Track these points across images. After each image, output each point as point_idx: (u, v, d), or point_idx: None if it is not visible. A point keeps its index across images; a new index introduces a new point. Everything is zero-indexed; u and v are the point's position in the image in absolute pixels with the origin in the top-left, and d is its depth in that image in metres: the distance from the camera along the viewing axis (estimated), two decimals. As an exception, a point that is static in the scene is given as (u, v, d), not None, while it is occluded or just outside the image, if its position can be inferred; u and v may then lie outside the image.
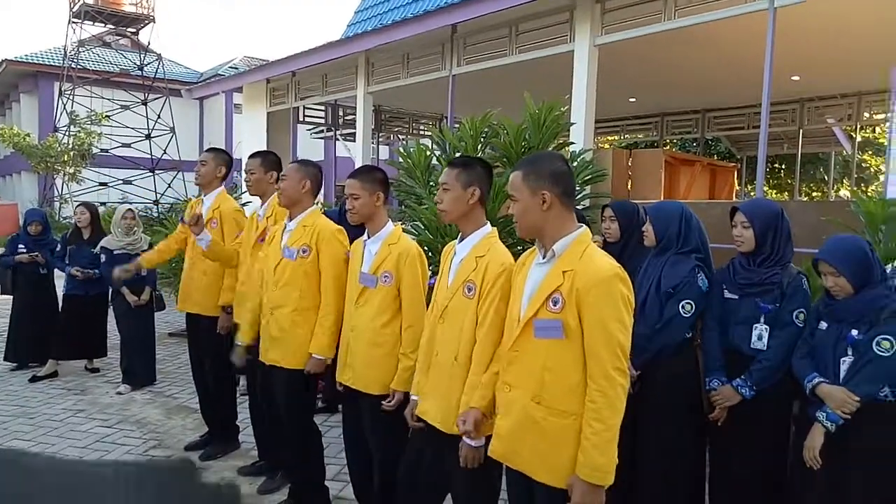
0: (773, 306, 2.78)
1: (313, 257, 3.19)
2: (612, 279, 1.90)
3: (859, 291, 2.53)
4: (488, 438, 2.24)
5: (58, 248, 6.17)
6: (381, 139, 14.22)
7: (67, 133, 22.90)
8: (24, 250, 6.16)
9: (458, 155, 5.20)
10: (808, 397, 2.58)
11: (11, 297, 6.40)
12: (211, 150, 4.29)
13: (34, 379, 5.91)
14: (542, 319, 1.98)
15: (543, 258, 2.06)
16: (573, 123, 6.04)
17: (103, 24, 27.11)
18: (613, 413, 1.87)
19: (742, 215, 2.87)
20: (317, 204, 3.46)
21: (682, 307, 2.89)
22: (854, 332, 2.51)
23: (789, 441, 2.82)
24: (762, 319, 2.80)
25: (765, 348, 2.78)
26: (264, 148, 11.73)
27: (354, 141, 11.34)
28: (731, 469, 2.89)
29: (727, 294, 2.93)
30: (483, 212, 2.46)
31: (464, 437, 2.26)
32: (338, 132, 12.93)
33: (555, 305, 1.95)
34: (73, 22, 25.52)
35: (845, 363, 2.53)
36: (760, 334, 2.80)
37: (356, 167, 3.26)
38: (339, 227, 3.32)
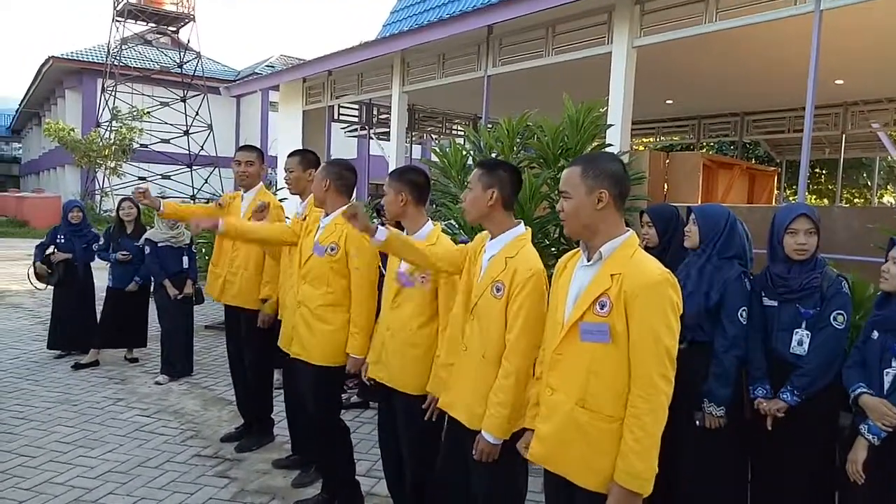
0: (814, 311, 2.74)
1: (341, 255, 3.22)
2: (662, 284, 1.88)
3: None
4: (514, 437, 2.28)
5: (100, 242, 6.33)
6: (413, 138, 14.29)
7: (109, 128, 23.48)
8: (63, 241, 6.33)
9: (493, 155, 5.21)
10: (853, 408, 2.55)
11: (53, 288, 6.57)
12: (251, 148, 4.33)
13: (77, 367, 6.09)
14: (589, 323, 1.95)
15: (589, 261, 2.03)
16: (611, 125, 6.00)
17: (145, 23, 27.75)
18: (655, 420, 1.85)
19: (808, 221, 2.81)
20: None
21: (741, 315, 2.85)
22: None
23: (835, 452, 2.77)
24: (803, 325, 2.76)
25: (805, 353, 2.74)
26: (299, 146, 11.90)
27: (388, 140, 11.42)
28: (777, 481, 2.84)
29: (766, 301, 2.89)
30: (508, 214, 2.48)
31: (483, 432, 2.30)
32: (371, 131, 13.03)
33: (602, 309, 1.93)
34: (117, 20, 26.19)
35: (889, 375, 2.47)
36: (801, 339, 2.75)
37: (389, 166, 3.30)
38: None
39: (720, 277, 2.89)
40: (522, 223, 2.51)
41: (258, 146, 4.62)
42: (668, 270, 1.92)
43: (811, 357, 2.71)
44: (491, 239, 2.49)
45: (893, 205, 12.86)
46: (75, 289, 6.42)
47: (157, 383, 5.67)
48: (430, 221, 2.91)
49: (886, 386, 2.47)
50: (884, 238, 3.41)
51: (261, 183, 4.28)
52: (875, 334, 2.58)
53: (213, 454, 4.22)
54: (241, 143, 4.90)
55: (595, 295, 1.95)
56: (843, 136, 10.81)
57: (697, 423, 2.82)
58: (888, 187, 18.16)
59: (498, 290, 2.34)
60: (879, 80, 8.74)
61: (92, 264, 6.64)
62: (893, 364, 2.47)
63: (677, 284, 1.92)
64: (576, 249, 2.14)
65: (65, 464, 3.99)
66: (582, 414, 1.95)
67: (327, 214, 3.37)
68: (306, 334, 3.29)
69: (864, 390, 2.50)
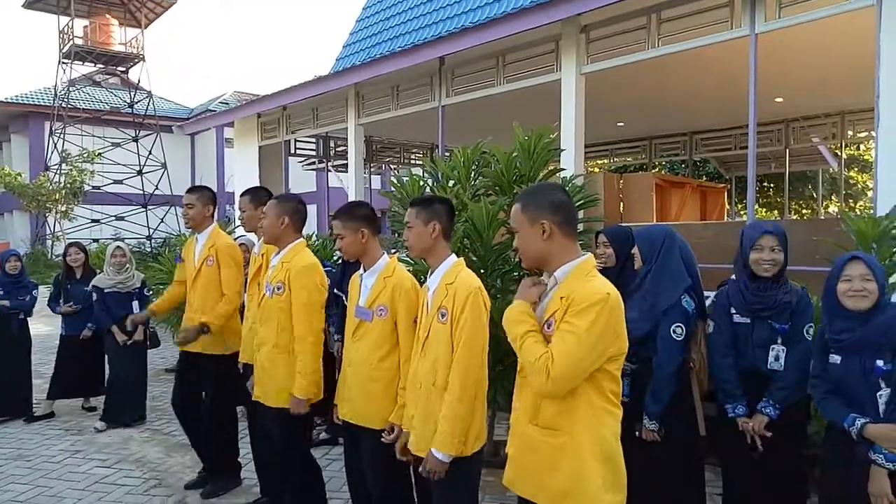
0: (787, 325, 2.83)
1: (287, 294, 3.20)
2: (600, 301, 1.89)
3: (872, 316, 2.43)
4: (473, 456, 2.38)
5: (34, 293, 6.07)
6: (372, 169, 14.32)
7: (59, 172, 22.94)
8: (1, 292, 5.89)
9: (451, 184, 5.26)
10: (857, 439, 2.44)
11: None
12: (193, 190, 4.28)
13: (30, 420, 5.86)
14: None
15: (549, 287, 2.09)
16: (563, 150, 6.12)
17: (93, 64, 27.37)
18: (525, 354, 1.97)
19: (774, 239, 2.87)
20: (303, 237, 3.49)
21: (674, 331, 2.91)
22: (880, 363, 2.41)
23: (804, 461, 2.83)
24: (779, 340, 2.83)
25: (782, 368, 2.81)
26: (256, 181, 11.79)
27: (346, 172, 11.41)
28: (744, 489, 2.90)
29: (737, 318, 2.94)
30: (446, 245, 2.61)
31: (431, 449, 2.34)
32: (329, 163, 13.02)
33: (548, 328, 1.98)
34: (63, 62, 25.75)
35: (882, 397, 2.41)
36: (777, 355, 2.83)
37: (347, 199, 3.33)
38: (314, 261, 3.34)
39: (659, 302, 2.96)
40: (454, 254, 2.63)
41: (207, 186, 4.59)
42: (613, 291, 1.94)
43: (790, 372, 2.78)
44: (431, 274, 2.60)
45: (837, 215, 13.34)
46: (9, 345, 5.92)
47: (96, 429, 5.52)
48: (385, 254, 2.95)
49: (882, 408, 2.40)
50: (829, 250, 3.54)
51: (213, 224, 4.22)
52: (836, 358, 2.52)
53: (177, 502, 4.08)
54: (197, 181, 4.88)
55: (546, 317, 2.01)
56: (787, 150, 11.22)
57: (637, 433, 2.90)
58: (832, 198, 18.86)
59: (443, 315, 2.43)
60: (816, 96, 9.14)
61: (43, 313, 6.39)
62: (882, 385, 2.41)
63: (619, 304, 1.94)
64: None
65: (19, 524, 3.81)
66: (534, 431, 2.01)
67: (279, 252, 3.34)
68: (263, 376, 3.27)
69: (865, 420, 2.40)
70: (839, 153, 11.77)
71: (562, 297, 1.96)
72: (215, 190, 4.61)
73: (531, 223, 2.04)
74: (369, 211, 2.99)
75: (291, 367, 3.19)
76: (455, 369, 2.36)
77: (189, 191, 4.28)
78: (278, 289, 3.22)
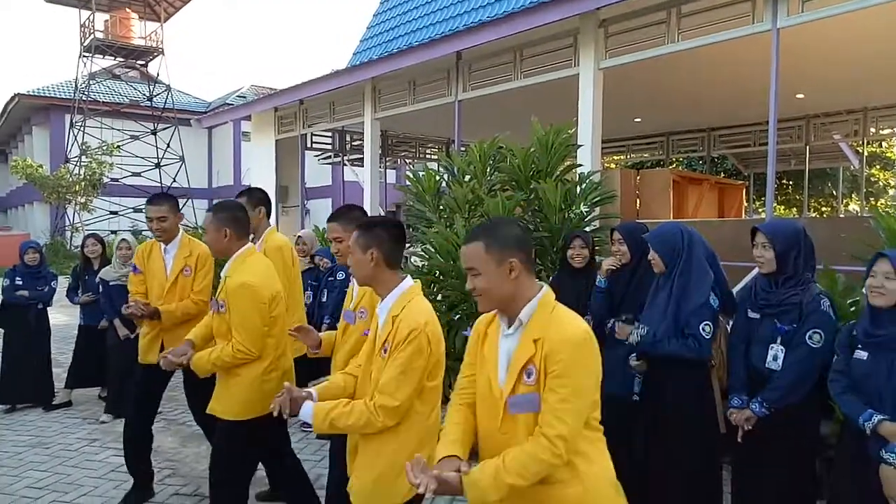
0: (790, 327, 2.76)
1: (228, 312, 3.01)
2: (584, 342, 1.80)
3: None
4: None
5: (54, 284, 6.18)
6: (388, 164, 14.34)
7: (78, 164, 23.22)
8: (20, 283, 6.03)
9: (466, 179, 5.24)
10: (865, 432, 2.42)
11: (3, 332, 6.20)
12: (159, 199, 3.90)
13: (49, 408, 5.94)
14: (517, 395, 1.85)
15: (509, 328, 1.92)
16: (580, 146, 6.09)
17: (113, 58, 27.65)
18: (528, 475, 1.75)
19: (763, 236, 2.85)
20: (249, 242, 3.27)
21: (703, 329, 2.88)
22: None
23: (815, 463, 2.79)
24: (779, 340, 2.79)
25: (779, 368, 2.77)
26: (273, 175, 11.88)
27: (362, 166, 11.44)
28: (752, 489, 2.87)
29: (750, 314, 2.93)
30: (393, 272, 2.36)
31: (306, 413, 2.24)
32: (345, 157, 13.06)
33: (529, 378, 1.83)
34: (84, 56, 26.04)
35: None
36: (776, 354, 2.79)
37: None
38: (252, 273, 3.04)
39: (689, 301, 2.93)
40: (409, 277, 2.39)
41: (164, 193, 4.13)
42: (586, 326, 1.85)
43: (785, 373, 2.74)
44: (381, 301, 2.38)
45: (859, 213, 13.15)
46: (27, 334, 6.05)
47: (102, 422, 5.56)
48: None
49: None
50: (855, 247, 3.48)
51: (181, 231, 3.97)
52: (863, 354, 2.50)
53: (192, 492, 4.13)
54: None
55: (521, 364, 1.85)
56: (807, 147, 11.09)
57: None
58: (852, 196, 18.61)
59: (385, 350, 2.24)
60: (838, 93, 9.02)
61: (61, 303, 6.47)
62: None
63: (595, 341, 1.84)
64: (489, 315, 2.02)
65: (37, 510, 3.87)
66: (534, 487, 1.82)
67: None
68: (217, 391, 3.11)
69: (881, 417, 2.38)
70: (861, 150, 11.61)
71: (535, 341, 1.83)
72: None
73: (498, 264, 1.87)
74: (364, 213, 2.93)
75: (247, 379, 3.01)
76: (377, 395, 2.17)
77: (154, 201, 3.86)
78: (221, 307, 3.04)
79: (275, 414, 2.26)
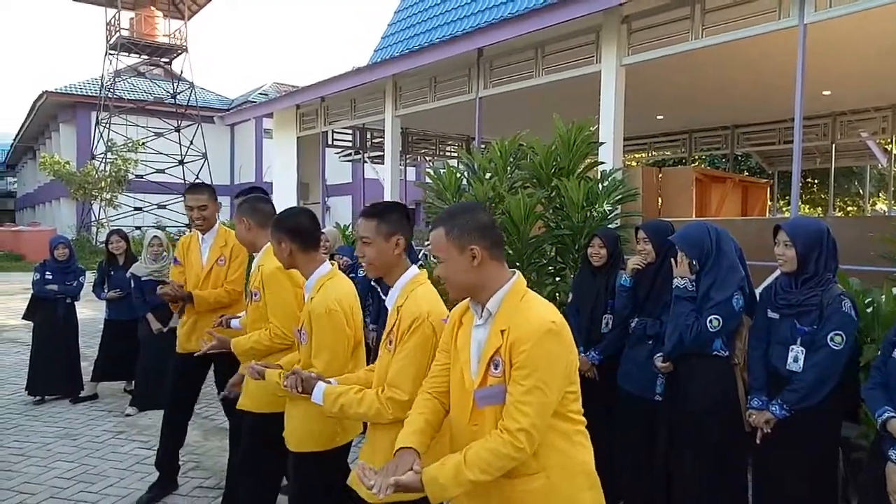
0: (810, 328, 2.71)
1: (263, 300, 3.02)
2: (547, 334, 1.72)
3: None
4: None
5: (82, 279, 6.30)
6: (408, 161, 14.38)
7: (104, 160, 23.57)
8: (50, 277, 6.17)
9: (487, 176, 5.23)
10: (880, 432, 2.42)
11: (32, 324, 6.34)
12: (201, 188, 3.94)
13: (75, 401, 6.06)
14: (483, 388, 1.80)
15: (480, 318, 1.87)
16: (602, 143, 6.05)
17: (138, 55, 28.03)
18: (491, 470, 1.70)
19: (785, 234, 2.81)
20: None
21: (710, 321, 2.88)
22: None
23: (838, 464, 2.75)
24: (798, 341, 2.74)
25: (800, 370, 2.73)
26: (294, 172, 11.97)
27: (382, 163, 11.48)
28: (774, 489, 2.85)
29: (770, 314, 2.89)
30: (406, 258, 2.31)
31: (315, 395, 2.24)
32: (366, 155, 13.11)
33: (496, 369, 1.78)
34: (110, 53, 26.42)
35: None
36: (797, 356, 2.74)
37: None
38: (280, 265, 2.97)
39: (712, 299, 2.92)
40: (413, 265, 2.33)
41: (208, 184, 4.20)
42: (554, 319, 1.76)
43: (805, 375, 2.70)
44: (391, 290, 2.31)
45: (886, 212, 12.92)
46: (56, 328, 6.20)
47: (127, 415, 5.66)
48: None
49: None
50: (883, 247, 3.42)
51: (218, 222, 4.02)
52: None
53: (215, 485, 4.18)
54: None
55: (489, 355, 1.80)
56: (833, 145, 10.92)
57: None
58: (880, 195, 18.27)
59: (390, 342, 2.21)
60: (865, 89, 8.86)
61: (88, 298, 6.59)
62: None
63: (565, 332, 1.77)
64: (466, 302, 1.96)
65: (65, 500, 3.95)
66: (498, 480, 1.78)
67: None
68: (246, 385, 3.08)
69: (892, 414, 2.36)
70: (889, 148, 11.39)
71: (502, 331, 1.78)
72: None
73: (460, 251, 1.83)
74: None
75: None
76: (388, 388, 2.14)
77: (194, 189, 3.89)
78: (255, 295, 3.06)
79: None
